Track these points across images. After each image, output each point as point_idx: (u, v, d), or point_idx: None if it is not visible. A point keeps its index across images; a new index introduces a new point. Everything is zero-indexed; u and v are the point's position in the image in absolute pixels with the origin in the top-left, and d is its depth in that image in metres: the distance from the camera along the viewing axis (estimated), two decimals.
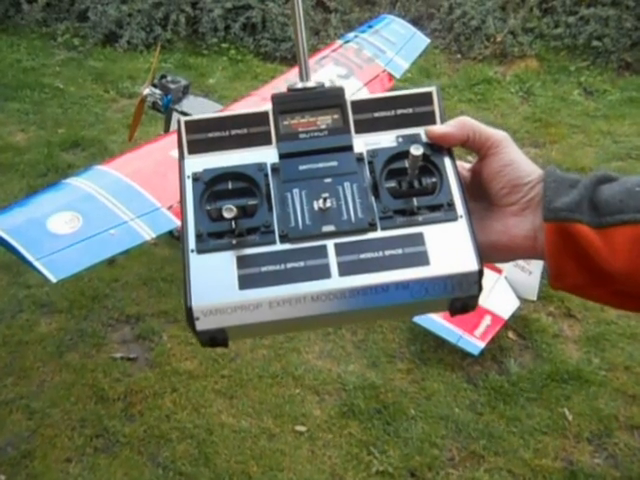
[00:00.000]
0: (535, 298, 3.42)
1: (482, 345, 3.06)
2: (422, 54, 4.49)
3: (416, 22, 5.77)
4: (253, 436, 2.83)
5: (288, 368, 3.14)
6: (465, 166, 0.74)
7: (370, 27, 4.28)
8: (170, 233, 3.28)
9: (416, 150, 0.65)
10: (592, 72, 6.20)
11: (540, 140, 5.20)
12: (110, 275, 3.64)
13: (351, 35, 4.17)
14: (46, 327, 3.34)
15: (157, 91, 3.88)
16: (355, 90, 3.75)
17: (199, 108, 3.80)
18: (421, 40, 4.40)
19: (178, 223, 2.78)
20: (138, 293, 3.56)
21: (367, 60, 4.02)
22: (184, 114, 3.81)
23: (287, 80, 3.80)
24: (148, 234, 2.66)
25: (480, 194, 0.71)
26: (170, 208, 2.77)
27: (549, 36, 6.53)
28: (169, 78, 3.91)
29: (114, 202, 2.70)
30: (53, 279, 2.28)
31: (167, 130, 3.87)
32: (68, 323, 3.36)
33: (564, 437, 2.86)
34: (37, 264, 2.30)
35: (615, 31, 6.20)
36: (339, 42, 4.11)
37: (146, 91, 3.91)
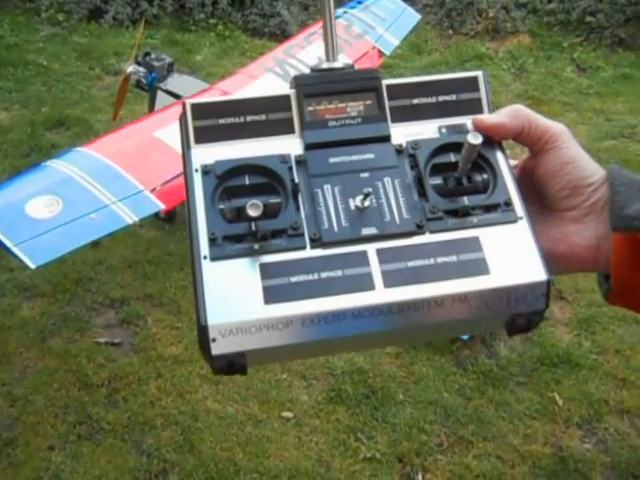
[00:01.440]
0: None
1: None
2: (413, 30, 4.41)
3: None
4: (239, 422, 2.79)
5: None
6: (511, 163, 0.64)
7: (360, 3, 4.20)
8: (156, 215, 3.23)
9: (475, 139, 0.56)
10: (585, 48, 6.13)
11: None
12: (94, 258, 3.58)
13: (340, 11, 4.08)
14: (29, 311, 3.28)
15: (141, 69, 3.79)
16: None
17: (184, 86, 3.73)
18: (412, 16, 4.33)
19: (162, 206, 2.73)
20: (123, 276, 3.50)
21: (356, 37, 3.94)
22: (169, 92, 3.74)
23: (274, 57, 3.73)
24: (130, 218, 2.60)
25: (532, 195, 0.62)
26: (154, 191, 2.72)
27: (542, 11, 6.45)
28: (153, 56, 3.83)
29: (95, 185, 2.64)
30: (32, 265, 2.23)
31: (152, 109, 3.79)
32: (51, 307, 3.30)
33: (554, 422, 2.83)
34: (15, 250, 2.24)
35: (609, 6, 6.11)
36: None
37: (130, 69, 3.83)
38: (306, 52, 3.72)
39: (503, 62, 6.00)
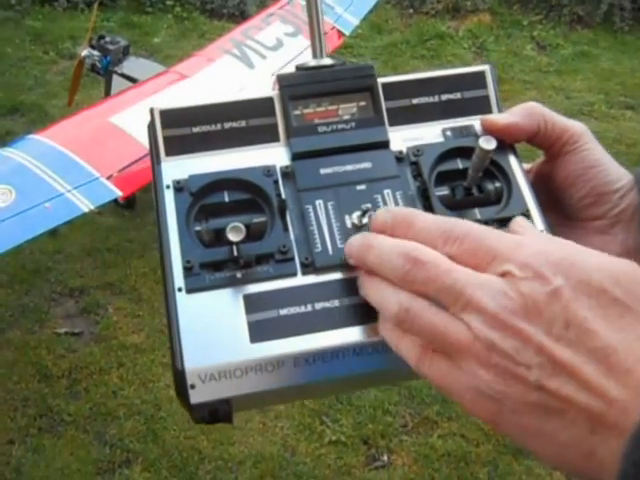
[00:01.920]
0: None
1: None
2: (373, 10, 4.38)
3: None
4: None
5: None
6: (524, 167, 0.57)
7: None
8: (115, 201, 3.18)
9: (487, 143, 0.49)
10: (545, 26, 6.15)
11: None
12: (52, 247, 3.51)
13: None
14: None
15: (95, 52, 3.73)
16: (303, 49, 3.64)
17: (141, 70, 3.68)
18: None
19: (119, 193, 2.69)
20: (82, 265, 3.45)
21: None
22: (125, 76, 3.68)
23: (232, 39, 3.68)
24: (86, 206, 2.57)
25: (550, 204, 0.55)
26: (110, 178, 2.67)
27: None
28: (107, 39, 3.76)
29: (49, 173, 2.60)
30: None
31: (108, 94, 3.73)
32: (9, 298, 3.24)
33: None
34: None
35: None
36: None
37: (84, 53, 3.77)
38: (265, 33, 3.68)
39: (464, 41, 6.00)
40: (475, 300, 0.37)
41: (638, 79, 5.46)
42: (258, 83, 3.31)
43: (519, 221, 0.45)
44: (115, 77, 3.73)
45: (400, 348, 0.42)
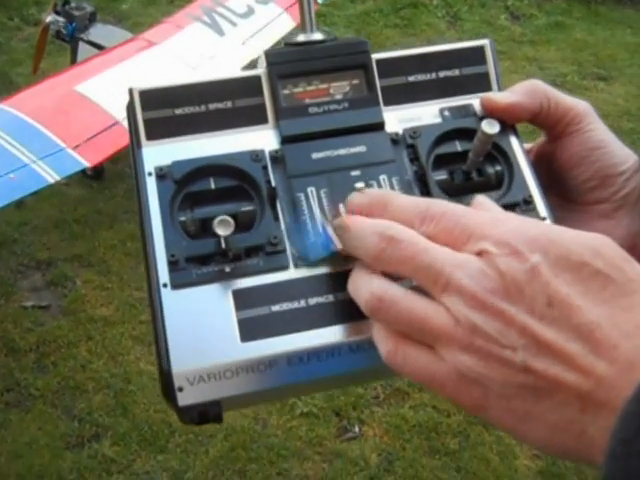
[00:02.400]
0: None
1: None
2: None
3: None
4: None
5: None
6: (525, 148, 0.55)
7: None
8: (83, 172, 3.13)
9: (491, 127, 0.47)
10: None
11: None
12: (19, 218, 3.45)
13: None
14: None
15: (60, 19, 3.64)
16: (274, 17, 3.58)
17: (107, 37, 3.62)
18: None
19: (86, 164, 2.64)
20: (49, 237, 3.39)
21: None
22: (91, 43, 3.60)
23: (202, 6, 3.61)
24: (52, 177, 2.53)
25: (551, 186, 0.52)
26: (76, 148, 2.63)
27: None
28: (73, 4, 3.68)
29: (13, 144, 2.55)
30: None
31: (73, 61, 3.66)
32: None
33: None
34: None
35: None
36: None
37: (48, 19, 3.69)
38: (235, 0, 3.61)
39: (438, 10, 5.95)
40: (455, 280, 0.36)
41: (610, 50, 5.46)
42: (228, 51, 3.26)
43: (480, 199, 0.43)
44: (81, 44, 3.65)
45: (374, 340, 0.40)
